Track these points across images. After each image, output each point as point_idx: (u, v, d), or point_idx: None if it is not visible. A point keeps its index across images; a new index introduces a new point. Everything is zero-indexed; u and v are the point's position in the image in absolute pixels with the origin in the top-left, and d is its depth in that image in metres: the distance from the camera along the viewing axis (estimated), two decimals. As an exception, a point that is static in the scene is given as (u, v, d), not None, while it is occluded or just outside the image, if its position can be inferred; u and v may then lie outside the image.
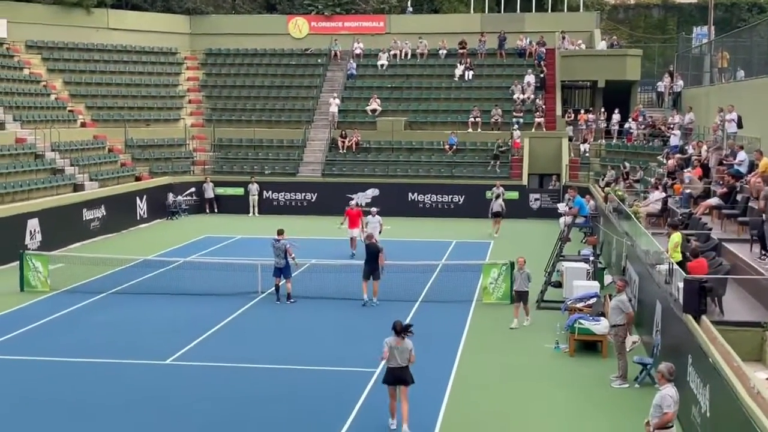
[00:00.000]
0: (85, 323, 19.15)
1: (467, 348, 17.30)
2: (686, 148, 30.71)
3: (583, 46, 43.79)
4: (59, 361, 16.25)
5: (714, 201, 20.89)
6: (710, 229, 19.31)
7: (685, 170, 25.23)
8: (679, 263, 14.99)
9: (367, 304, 20.67)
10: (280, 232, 21.27)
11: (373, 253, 20.74)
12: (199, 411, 13.66)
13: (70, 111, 38.59)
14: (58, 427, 12.96)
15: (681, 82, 40.03)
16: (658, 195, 23.61)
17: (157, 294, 21.85)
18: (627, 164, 34.32)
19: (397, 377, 12.51)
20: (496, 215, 32.39)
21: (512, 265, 20.49)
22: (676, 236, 16.33)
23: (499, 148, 38.83)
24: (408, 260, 23.80)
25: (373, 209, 27.52)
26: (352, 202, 28.33)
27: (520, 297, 19.04)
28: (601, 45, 43.67)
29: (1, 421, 13.18)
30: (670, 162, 28.05)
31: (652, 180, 27.23)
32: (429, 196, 37.93)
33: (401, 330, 12.50)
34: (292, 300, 21.02)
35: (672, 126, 35.51)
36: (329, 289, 21.83)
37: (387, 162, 39.80)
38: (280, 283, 21.11)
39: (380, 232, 26.05)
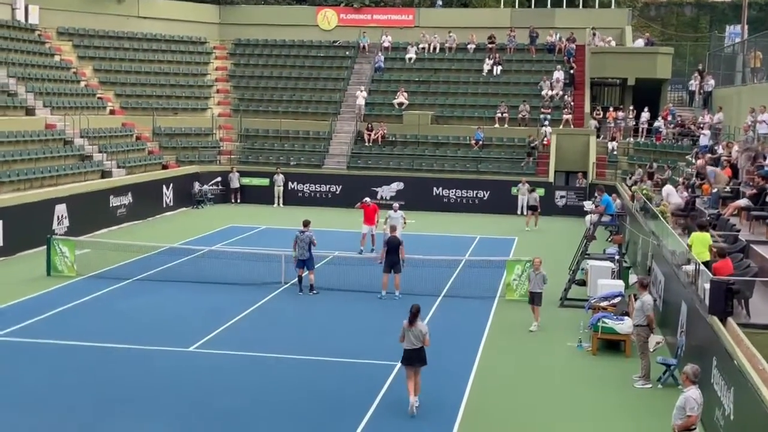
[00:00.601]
0: (110, 309, 19.32)
1: (489, 344, 17.25)
2: (716, 148, 30.39)
3: (614, 43, 43.40)
4: (84, 345, 16.41)
5: (743, 202, 20.64)
6: (738, 231, 19.09)
7: (708, 166, 24.95)
8: (706, 263, 14.86)
9: (383, 297, 20.67)
10: (306, 224, 21.32)
11: (394, 246, 20.75)
12: (221, 398, 13.73)
13: (99, 98, 38.90)
14: (82, 412, 13.08)
15: (712, 82, 39.59)
16: (667, 189, 23.46)
17: (181, 282, 22.00)
18: (654, 164, 34.01)
19: (412, 358, 13.22)
20: (532, 209, 33.18)
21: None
22: (703, 236, 16.19)
23: (530, 145, 38.65)
24: (431, 255, 23.76)
25: (395, 204, 26.89)
26: (367, 199, 27.30)
27: (534, 298, 18.61)
28: (639, 42, 43.16)
29: (26, 404, 13.34)
30: (699, 162, 27.75)
31: (680, 179, 26.98)
32: (454, 191, 37.86)
33: (414, 314, 13.21)
34: (315, 291, 21.07)
35: (702, 126, 35.14)
36: (352, 281, 21.85)
37: (412, 156, 39.75)
38: (303, 275, 21.17)
39: (403, 227, 25.44)
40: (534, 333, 18.15)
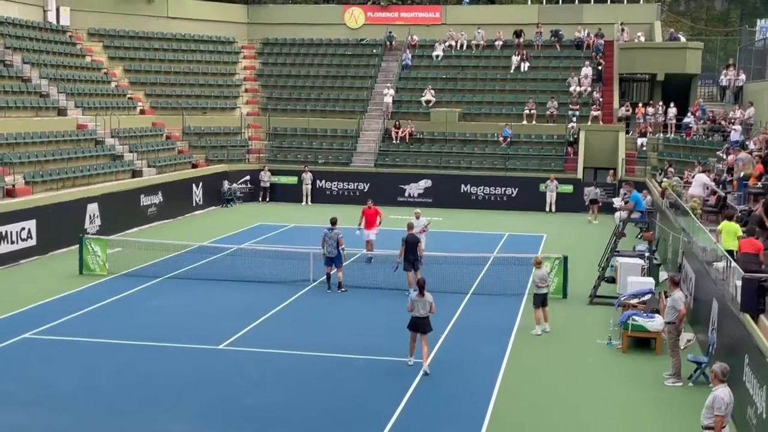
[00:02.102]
0: (141, 307, 19.55)
1: (518, 342, 17.21)
2: (747, 143, 30.02)
3: (643, 39, 43.03)
4: (116, 343, 16.62)
5: (775, 198, 20.36)
6: (771, 227, 18.83)
7: (737, 153, 24.80)
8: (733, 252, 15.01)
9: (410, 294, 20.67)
10: (334, 222, 21.40)
11: (412, 244, 20.72)
12: (251, 395, 13.85)
13: (129, 98, 39.30)
14: (114, 409, 13.26)
15: (743, 76, 39.09)
16: (699, 179, 23.47)
17: (211, 280, 22.18)
18: (669, 167, 33.94)
19: (418, 325, 15.11)
20: (593, 202, 34.21)
21: (566, 259, 20.31)
22: (731, 225, 16.53)
23: (573, 136, 38.66)
24: (459, 252, 23.73)
25: (417, 211, 24.57)
26: (369, 202, 25.22)
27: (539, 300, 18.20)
28: (681, 39, 42.78)
29: (60, 402, 13.54)
30: (730, 157, 27.43)
31: (711, 176, 26.70)
32: (482, 188, 37.77)
33: (421, 286, 15.15)
34: (343, 289, 21.15)
35: (733, 121, 34.74)
36: (380, 278, 21.89)
37: (440, 153, 39.71)
38: (331, 272, 21.25)
39: (425, 231, 23.33)
40: (563, 330, 18.05)
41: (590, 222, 33.61)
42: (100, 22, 42.69)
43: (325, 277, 21.43)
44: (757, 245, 15.00)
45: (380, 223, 24.79)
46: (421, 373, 14.66)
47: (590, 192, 35.45)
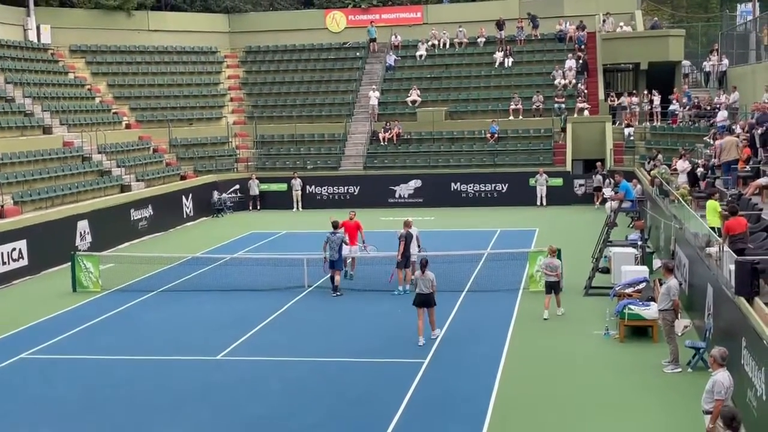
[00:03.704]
0: (137, 322, 19.47)
1: (515, 336, 17.23)
2: (733, 127, 30.13)
3: (626, 29, 43.15)
4: (113, 359, 16.55)
5: (764, 181, 20.46)
6: (761, 210, 18.93)
7: (723, 138, 25.07)
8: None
9: (400, 294, 20.80)
10: (336, 225, 21.35)
11: (410, 241, 20.95)
12: (250, 405, 13.81)
13: (114, 113, 39.19)
14: (112, 424, 13.20)
15: (726, 61, 39.25)
16: (682, 164, 23.79)
17: (205, 291, 22.12)
18: (654, 151, 34.31)
19: (423, 301, 16.62)
20: (598, 189, 35.08)
21: (559, 251, 20.32)
22: (712, 204, 17.22)
23: (564, 121, 38.94)
24: (453, 250, 23.73)
25: (409, 220, 22.04)
26: (351, 213, 23.12)
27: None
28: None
29: (58, 419, 13.47)
30: (717, 142, 27.53)
31: (700, 161, 26.81)
32: (472, 185, 37.81)
33: (423, 265, 16.67)
34: (339, 293, 21.11)
35: (718, 106, 34.85)
36: (374, 281, 21.87)
37: (429, 153, 39.73)
38: (336, 275, 21.20)
39: (419, 246, 22.01)
40: (560, 323, 18.10)
41: (597, 209, 34.06)
42: (82, 38, 42.57)
43: (329, 279, 21.37)
44: (742, 222, 15.16)
45: (363, 240, 22.74)
46: (438, 340, 16.65)
47: (595, 180, 36.13)
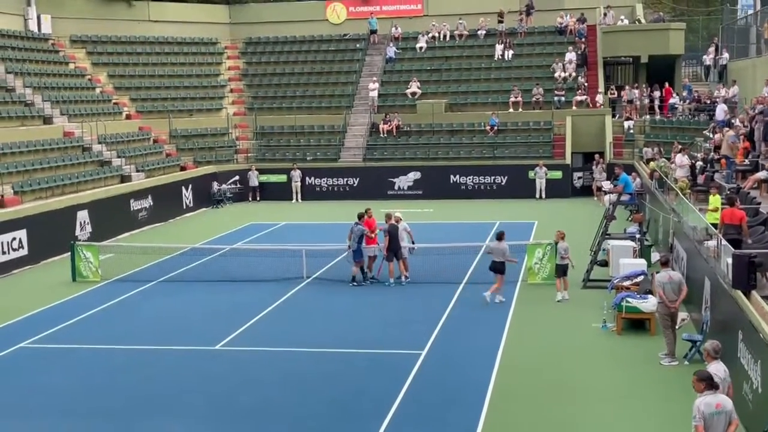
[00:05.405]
0: (136, 311, 19.53)
1: (513, 328, 17.29)
2: (733, 121, 30.14)
3: (626, 21, 43.10)
4: (112, 348, 16.61)
5: (762, 174, 20.51)
6: (759, 204, 18.97)
7: (726, 130, 25.11)
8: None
9: (392, 285, 20.97)
10: (361, 216, 21.34)
11: (395, 234, 20.98)
12: (248, 394, 13.87)
13: (115, 104, 39.18)
14: (111, 414, 13.25)
15: (726, 55, 39.23)
16: (681, 158, 24.34)
17: (204, 281, 22.17)
18: (648, 150, 34.30)
19: (497, 268, 19.12)
20: (599, 189, 34.65)
21: (557, 244, 20.41)
22: (714, 199, 17.33)
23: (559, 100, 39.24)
24: (451, 242, 23.77)
25: (397, 214, 21.83)
26: (368, 211, 21.97)
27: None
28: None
29: (58, 409, 13.54)
30: (717, 136, 27.55)
31: (699, 155, 26.85)
32: (471, 177, 37.83)
33: (500, 236, 19.16)
34: (355, 284, 21.13)
35: (717, 100, 34.85)
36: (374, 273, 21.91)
37: (428, 145, 39.74)
38: (356, 267, 21.22)
39: (413, 244, 21.90)
40: (558, 315, 18.17)
41: (599, 206, 34.12)
42: (82, 28, 42.51)
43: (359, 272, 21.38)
44: (738, 214, 15.20)
45: (376, 234, 21.81)
46: (497, 301, 18.96)
47: (596, 172, 36.26)
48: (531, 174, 36.94)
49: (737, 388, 11.89)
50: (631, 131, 38.76)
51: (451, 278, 21.33)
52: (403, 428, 12.32)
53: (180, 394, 14.06)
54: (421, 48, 44.99)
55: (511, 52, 43.48)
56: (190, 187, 35.92)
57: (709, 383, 8.98)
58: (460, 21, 45.11)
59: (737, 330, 12.39)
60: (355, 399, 13.57)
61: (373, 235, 21.35)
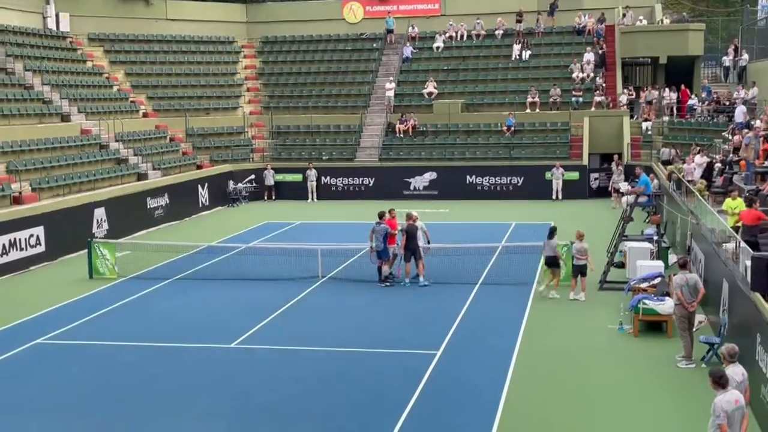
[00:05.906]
0: (152, 309, 19.60)
1: (529, 329, 17.21)
2: (752, 123, 29.89)
3: (645, 22, 42.85)
4: (128, 345, 16.66)
5: (782, 177, 20.35)
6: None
7: (745, 132, 24.91)
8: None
9: (407, 285, 20.90)
10: (381, 216, 21.28)
11: (413, 234, 20.81)
12: (263, 393, 13.87)
13: (132, 102, 39.35)
14: (127, 411, 13.29)
15: (746, 56, 38.93)
16: (699, 159, 23.78)
17: (220, 279, 22.22)
18: (666, 150, 34.11)
19: (550, 262, 19.76)
20: (617, 191, 34.49)
21: (573, 245, 20.30)
22: (734, 202, 17.47)
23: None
24: (467, 243, 23.71)
25: (414, 213, 21.65)
26: (393, 210, 21.95)
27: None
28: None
29: (74, 405, 13.59)
30: (736, 138, 27.34)
31: (717, 157, 26.64)
32: (487, 178, 37.72)
33: (551, 231, 19.91)
34: (387, 283, 21.07)
35: (736, 101, 34.59)
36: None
37: (444, 145, 39.66)
38: (387, 266, 21.15)
39: (428, 242, 21.86)
40: (574, 316, 18.06)
41: (614, 208, 33.60)
42: (100, 26, 42.74)
43: (377, 270, 21.33)
44: (756, 215, 15.08)
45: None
46: (552, 296, 19.37)
47: (615, 174, 35.78)
48: (548, 175, 36.79)
49: (755, 390, 11.78)
50: (649, 132, 38.53)
51: (466, 279, 21.26)
52: (419, 428, 12.28)
53: (195, 391, 14.07)
54: (438, 48, 44.91)
55: (528, 52, 43.32)
56: (206, 185, 36.03)
57: (724, 381, 9.19)
58: (478, 21, 45.00)
59: (755, 333, 12.27)
60: (370, 399, 13.54)
61: (395, 233, 21.31)
